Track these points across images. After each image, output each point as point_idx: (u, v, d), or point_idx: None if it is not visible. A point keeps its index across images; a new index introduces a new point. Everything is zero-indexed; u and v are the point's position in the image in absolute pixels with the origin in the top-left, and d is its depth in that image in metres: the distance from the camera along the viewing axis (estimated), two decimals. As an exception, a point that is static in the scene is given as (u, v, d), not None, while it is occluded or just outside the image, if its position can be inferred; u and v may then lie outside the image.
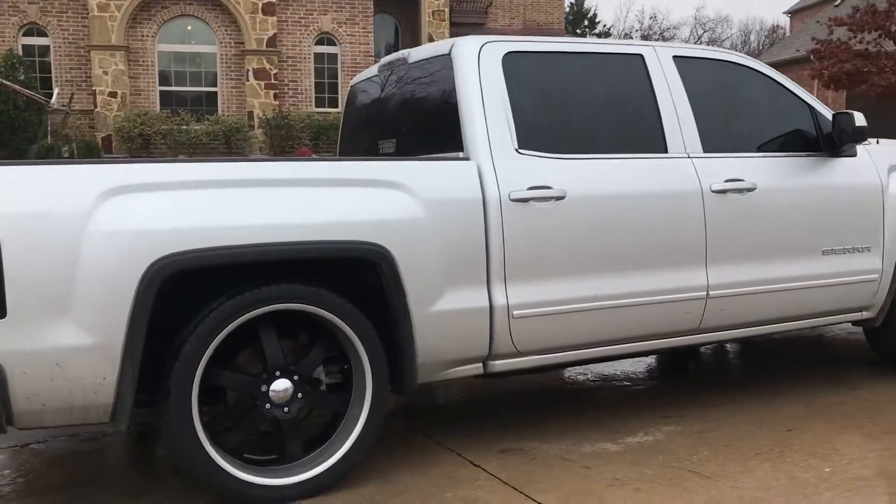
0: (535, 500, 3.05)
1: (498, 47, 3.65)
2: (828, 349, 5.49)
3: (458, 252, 3.34)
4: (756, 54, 55.51)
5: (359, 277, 3.26)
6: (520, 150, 3.52)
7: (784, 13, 50.72)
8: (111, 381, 2.83)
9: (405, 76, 4.09)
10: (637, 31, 53.18)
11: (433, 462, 3.44)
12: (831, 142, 4.21)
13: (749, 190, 3.93)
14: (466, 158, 3.45)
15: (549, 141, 3.63)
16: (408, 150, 4.02)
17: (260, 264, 3.04)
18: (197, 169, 3.07)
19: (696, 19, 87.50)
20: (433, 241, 3.28)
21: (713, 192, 3.85)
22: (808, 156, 4.19)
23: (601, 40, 4.20)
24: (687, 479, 3.21)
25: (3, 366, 2.69)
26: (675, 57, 4.01)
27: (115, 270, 2.80)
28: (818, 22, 27.14)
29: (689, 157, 3.88)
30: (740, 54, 4.30)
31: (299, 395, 3.14)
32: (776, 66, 34.44)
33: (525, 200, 3.45)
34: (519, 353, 3.53)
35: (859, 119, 4.06)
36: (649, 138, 3.85)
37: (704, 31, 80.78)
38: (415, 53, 4.03)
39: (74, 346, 2.77)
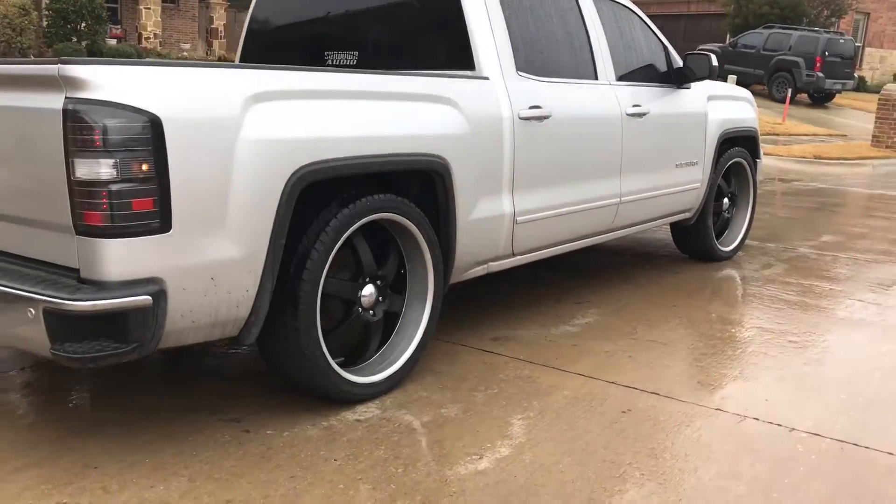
0: (571, 372, 3.66)
1: (495, -27, 3.97)
2: (648, 249, 6.70)
3: (488, 165, 3.70)
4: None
5: (419, 188, 3.47)
6: (519, 73, 3.94)
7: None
8: (252, 293, 2.79)
9: (374, -9, 4.19)
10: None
11: (463, 356, 3.82)
12: (681, 76, 5.23)
13: (644, 114, 4.79)
14: (486, 78, 3.78)
15: (535, 64, 4.08)
16: (377, 63, 4.15)
17: (368, 175, 3.14)
18: (323, 79, 3.05)
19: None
20: (474, 155, 3.60)
21: (627, 115, 4.65)
22: (668, 87, 5.17)
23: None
24: (651, 348, 4.05)
25: (166, 282, 2.53)
26: (593, -1, 4.67)
27: (263, 180, 2.74)
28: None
29: (610, 84, 4.61)
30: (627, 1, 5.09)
31: (381, 298, 3.32)
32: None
33: (528, 119, 3.90)
34: (513, 255, 4.03)
35: (713, 60, 5.13)
36: (587, 67, 4.49)
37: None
38: (389, -30, 4.14)
39: (227, 259, 2.69)
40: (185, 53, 25.32)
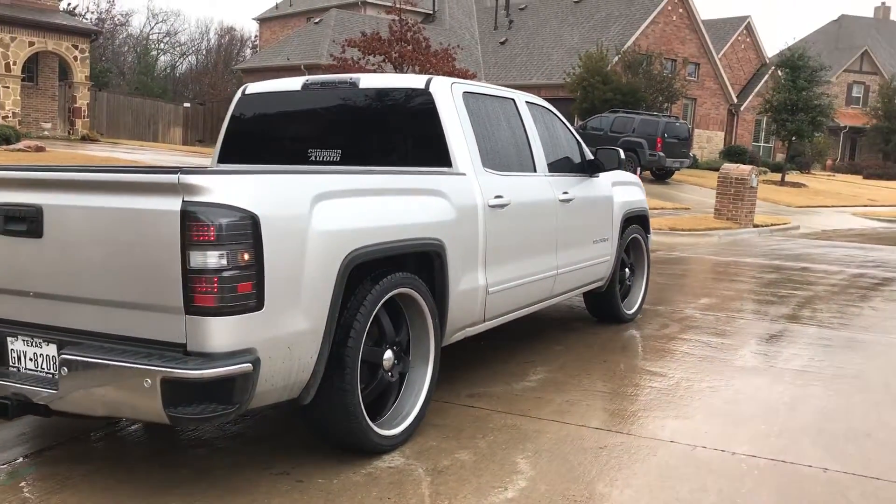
0: (546, 419, 4.33)
1: (458, 87, 4.73)
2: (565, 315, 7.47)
3: (468, 245, 4.39)
4: (228, 54, 57.69)
5: (417, 267, 4.09)
6: (485, 168, 4.68)
7: (254, 19, 53.95)
8: (314, 359, 3.31)
9: (354, 99, 4.84)
10: (93, 13, 51.01)
11: (450, 411, 4.41)
12: (593, 166, 6.15)
13: (570, 200, 5.64)
14: (463, 174, 4.49)
15: (494, 161, 4.83)
16: (360, 161, 4.78)
17: (388, 258, 3.74)
18: (361, 180, 3.67)
19: (149, 9, 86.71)
20: (459, 237, 4.28)
21: (560, 201, 5.48)
22: (581, 175, 6.07)
23: (494, 87, 5.46)
24: (599, 397, 4.79)
25: (258, 351, 3.02)
26: (527, 102, 5.53)
27: (325, 264, 3.30)
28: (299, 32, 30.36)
29: (546, 175, 5.44)
30: (548, 104, 5.97)
31: (396, 361, 3.89)
32: (266, 71, 36.75)
33: (494, 207, 4.63)
34: (484, 321, 4.70)
35: (622, 154, 6.09)
36: (528, 162, 5.30)
37: (158, 22, 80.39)
38: (366, 80, 4.81)
39: (300, 331, 3.21)
40: (45, 133, 24.73)
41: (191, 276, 2.90)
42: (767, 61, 43.63)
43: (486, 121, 4.94)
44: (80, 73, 25.55)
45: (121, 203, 3.01)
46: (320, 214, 3.30)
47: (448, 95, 4.60)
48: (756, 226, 17.19)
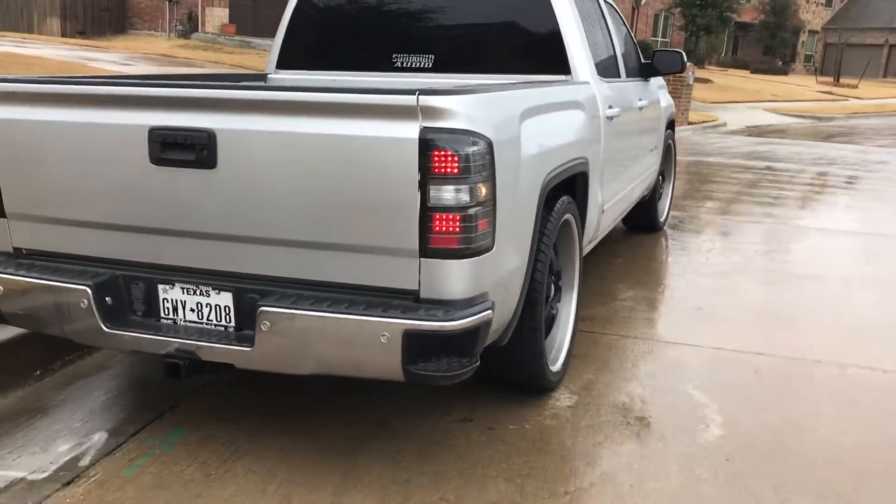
0: (691, 344, 4.17)
1: (569, -15, 4.29)
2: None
3: (595, 160, 4.06)
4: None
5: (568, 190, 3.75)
6: (598, 76, 4.31)
7: None
8: (517, 298, 2.98)
9: (451, -3, 4.32)
10: None
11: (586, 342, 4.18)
12: (650, 70, 5.85)
13: (643, 107, 5.35)
14: (587, 83, 4.11)
15: (599, 68, 4.46)
16: (453, 68, 4.31)
17: (565, 180, 3.39)
18: (544, 93, 3.26)
19: None
20: (594, 153, 3.95)
21: (637, 107, 5.19)
22: (640, 79, 5.77)
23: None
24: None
25: (490, 296, 2.66)
26: (603, -1, 5.13)
27: (532, 191, 2.94)
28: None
29: (629, 81, 5.12)
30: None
31: (558, 293, 3.60)
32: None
33: (609, 118, 4.30)
34: (592, 240, 4.43)
35: (685, 57, 5.80)
36: (613, 65, 4.94)
37: None
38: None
39: (514, 268, 2.87)
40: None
41: (430, 215, 2.48)
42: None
43: (586, 22, 4.54)
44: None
45: (331, 128, 2.51)
46: (525, 135, 2.90)
47: (566, -3, 4.16)
48: (690, 123, 17.40)
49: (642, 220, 6.68)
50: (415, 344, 2.50)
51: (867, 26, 53.18)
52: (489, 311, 2.61)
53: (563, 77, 4.11)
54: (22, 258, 3.00)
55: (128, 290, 2.86)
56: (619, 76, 4.94)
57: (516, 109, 2.87)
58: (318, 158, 2.54)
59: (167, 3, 30.55)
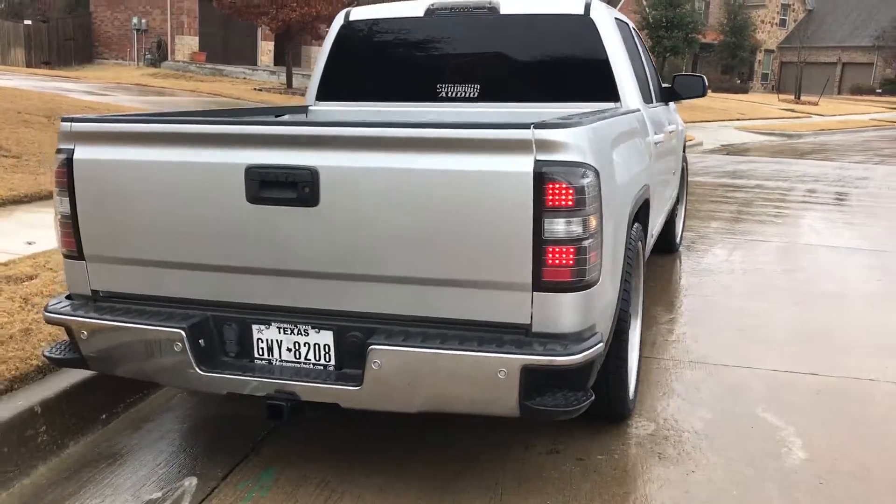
0: (753, 368, 4.19)
1: (612, 12, 4.33)
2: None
3: (654, 183, 4.07)
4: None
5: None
6: (643, 101, 4.35)
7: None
8: (610, 327, 2.96)
9: (493, 26, 4.33)
10: None
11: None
12: (670, 93, 5.91)
13: (672, 131, 5.41)
14: (637, 110, 4.14)
15: (643, 94, 4.50)
16: (500, 97, 4.32)
17: (639, 206, 3.40)
18: (623, 121, 3.28)
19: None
20: (651, 175, 3.97)
21: (668, 131, 5.24)
22: (662, 104, 5.84)
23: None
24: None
25: (597, 328, 2.65)
26: (630, 25, 5.18)
27: (620, 219, 2.95)
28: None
29: (660, 106, 5.17)
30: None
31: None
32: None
33: (656, 143, 4.34)
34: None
35: (706, 81, 5.87)
36: (647, 90, 4.97)
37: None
38: (508, 5, 4.30)
39: (609, 300, 2.85)
40: None
41: (544, 248, 2.47)
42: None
43: (626, 47, 4.58)
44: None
45: (441, 164, 2.48)
46: (616, 165, 2.91)
47: (610, 22, 4.21)
48: (669, 143, 17.62)
49: (661, 242, 6.71)
50: (533, 379, 2.48)
51: (821, 45, 54.54)
52: (601, 344, 2.60)
53: (612, 104, 4.13)
54: (101, 301, 2.92)
55: (219, 331, 2.79)
56: (653, 101, 4.99)
57: (609, 139, 2.88)
58: (427, 194, 2.51)
59: (135, 31, 30.31)
